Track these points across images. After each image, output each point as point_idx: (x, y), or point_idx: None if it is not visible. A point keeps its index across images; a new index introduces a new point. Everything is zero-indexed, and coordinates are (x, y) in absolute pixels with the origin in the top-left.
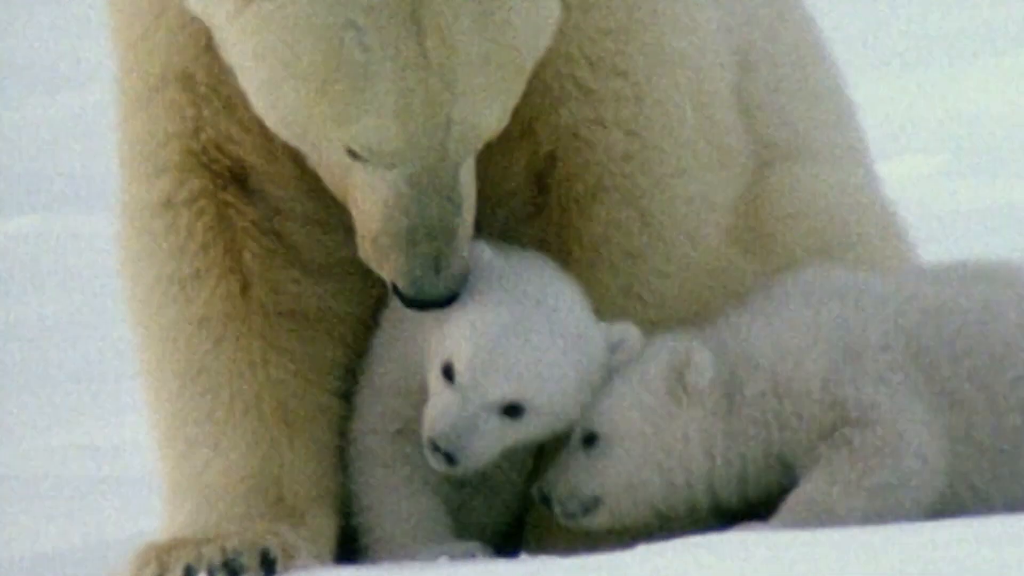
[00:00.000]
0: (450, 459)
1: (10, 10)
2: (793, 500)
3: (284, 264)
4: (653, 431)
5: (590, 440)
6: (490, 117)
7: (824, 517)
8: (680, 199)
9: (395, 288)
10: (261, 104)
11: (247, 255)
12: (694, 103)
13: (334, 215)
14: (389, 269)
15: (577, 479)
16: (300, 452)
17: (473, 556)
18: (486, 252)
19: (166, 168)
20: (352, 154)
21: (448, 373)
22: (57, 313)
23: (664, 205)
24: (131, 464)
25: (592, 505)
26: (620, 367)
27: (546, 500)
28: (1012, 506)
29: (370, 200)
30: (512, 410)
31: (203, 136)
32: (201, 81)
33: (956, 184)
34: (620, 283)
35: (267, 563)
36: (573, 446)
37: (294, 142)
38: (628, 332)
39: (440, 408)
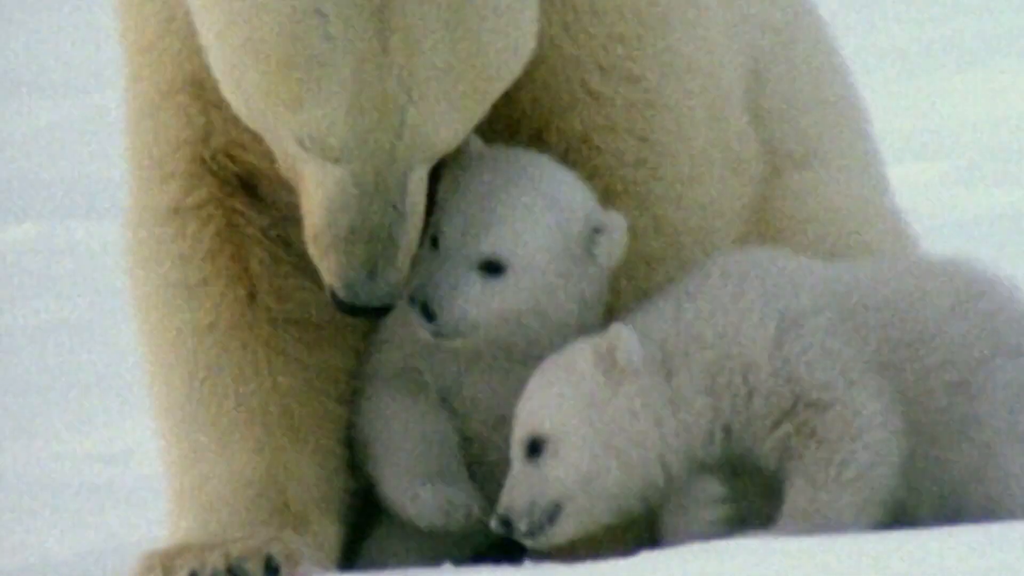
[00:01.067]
0: (429, 314)
1: (10, 15)
2: (787, 512)
3: (292, 272)
4: (598, 416)
5: (535, 448)
6: (444, 130)
7: (822, 523)
8: (693, 205)
9: (331, 291)
10: (226, 85)
11: (254, 262)
12: (706, 110)
13: None
14: (326, 269)
15: (532, 490)
16: (305, 459)
17: (468, 512)
18: (477, 143)
19: (174, 175)
20: (303, 145)
21: (434, 241)
22: (60, 320)
23: (677, 211)
24: (136, 470)
25: (554, 512)
26: (601, 259)
27: (507, 524)
28: (937, 491)
29: (316, 195)
30: (491, 267)
31: (212, 143)
32: (210, 88)
33: (963, 191)
34: (634, 288)
35: (271, 570)
36: (518, 462)
37: (254, 127)
38: (616, 221)
39: (422, 266)
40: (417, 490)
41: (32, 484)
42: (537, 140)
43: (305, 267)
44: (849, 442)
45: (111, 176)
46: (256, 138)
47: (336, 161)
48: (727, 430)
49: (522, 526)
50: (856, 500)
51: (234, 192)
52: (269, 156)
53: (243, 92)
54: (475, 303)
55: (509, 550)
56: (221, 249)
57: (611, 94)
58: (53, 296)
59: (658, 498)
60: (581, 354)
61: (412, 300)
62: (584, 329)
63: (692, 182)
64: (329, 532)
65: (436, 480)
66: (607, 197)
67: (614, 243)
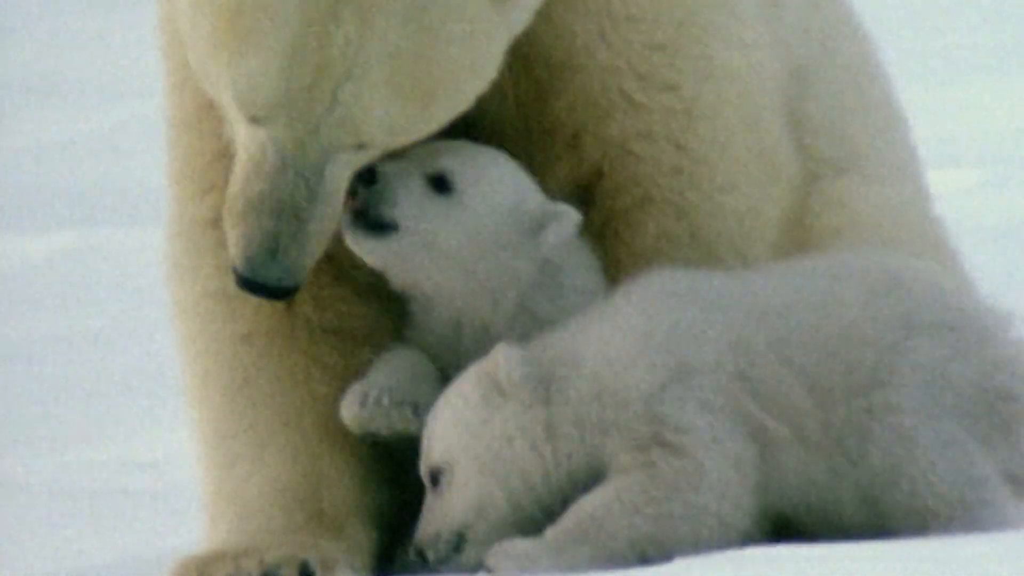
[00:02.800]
0: (365, 215)
1: (51, 22)
2: (576, 506)
3: (332, 282)
4: (478, 442)
5: (435, 478)
6: (376, 117)
7: (593, 530)
8: (729, 214)
9: (233, 267)
10: (187, 39)
11: None
12: (743, 118)
13: None
14: (232, 242)
15: (436, 521)
16: (340, 466)
17: (379, 398)
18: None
19: (215, 186)
20: (236, 102)
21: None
22: (95, 327)
23: (713, 220)
24: (171, 477)
25: (459, 543)
26: (547, 239)
27: (422, 555)
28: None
29: (240, 159)
30: (439, 183)
31: None
32: None
33: (999, 197)
34: None
35: (306, 575)
36: (428, 492)
37: (207, 88)
38: (571, 213)
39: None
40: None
41: (67, 491)
42: (573, 147)
43: (344, 277)
44: (676, 490)
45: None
46: None
47: (260, 122)
48: (598, 465)
49: (431, 556)
50: (638, 533)
51: None
52: None
53: (195, 43)
54: (413, 203)
55: None
56: None
57: (649, 102)
58: (89, 303)
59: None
60: (469, 376)
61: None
62: (535, 327)
63: (729, 190)
64: (364, 539)
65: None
66: (644, 205)
67: (563, 230)
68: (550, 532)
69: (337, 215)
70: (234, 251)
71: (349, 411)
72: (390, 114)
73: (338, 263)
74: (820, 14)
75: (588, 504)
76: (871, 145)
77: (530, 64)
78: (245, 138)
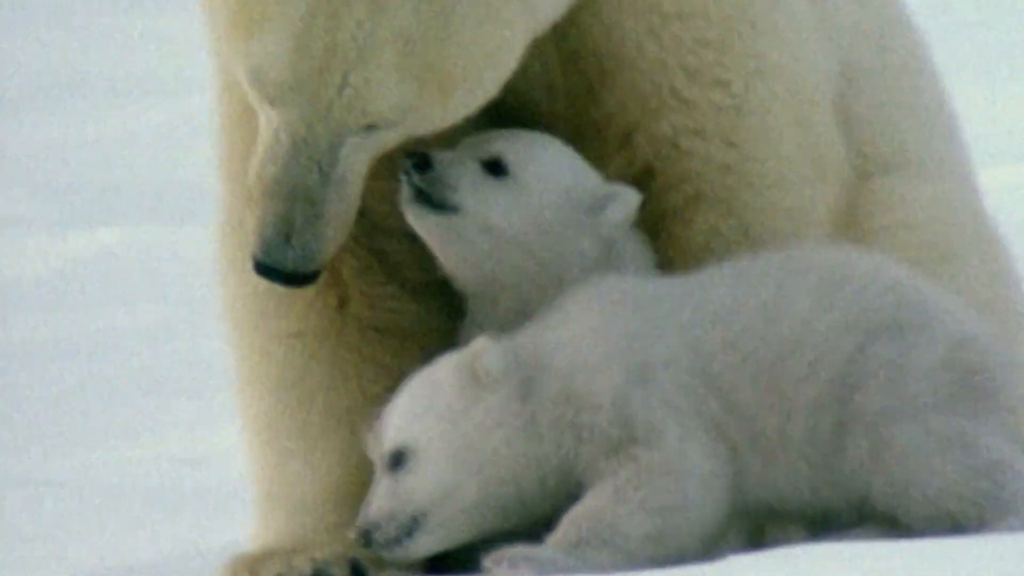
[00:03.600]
0: (426, 197)
1: (101, 19)
2: (577, 513)
3: (383, 280)
4: (455, 430)
5: (397, 461)
6: (387, 100)
7: (607, 534)
8: (779, 210)
9: (251, 253)
10: (209, 26)
11: (345, 270)
12: (793, 114)
13: None
14: (251, 228)
15: (392, 502)
16: None
17: None
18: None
19: None
20: (250, 83)
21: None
22: (145, 324)
23: (763, 216)
24: (219, 474)
25: (413, 526)
26: (611, 217)
27: (367, 536)
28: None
29: (259, 145)
30: (495, 167)
31: None
32: None
33: None
34: None
35: (357, 573)
36: (382, 473)
37: (230, 70)
38: (631, 193)
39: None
40: None
41: (116, 488)
42: (625, 144)
43: (397, 275)
44: (667, 479)
45: (196, 181)
46: None
47: (273, 104)
48: (573, 469)
49: (380, 538)
50: (649, 529)
51: None
52: None
53: (215, 27)
54: (471, 187)
55: None
56: None
57: (699, 99)
58: (139, 300)
59: (521, 517)
60: (445, 366)
61: (406, 158)
62: None
63: (779, 187)
64: None
65: None
66: (695, 203)
67: (625, 209)
68: (556, 538)
69: (355, 201)
70: (251, 238)
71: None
72: (403, 97)
73: (389, 261)
74: (871, 10)
75: (591, 509)
76: (922, 142)
77: (580, 60)
78: (262, 124)
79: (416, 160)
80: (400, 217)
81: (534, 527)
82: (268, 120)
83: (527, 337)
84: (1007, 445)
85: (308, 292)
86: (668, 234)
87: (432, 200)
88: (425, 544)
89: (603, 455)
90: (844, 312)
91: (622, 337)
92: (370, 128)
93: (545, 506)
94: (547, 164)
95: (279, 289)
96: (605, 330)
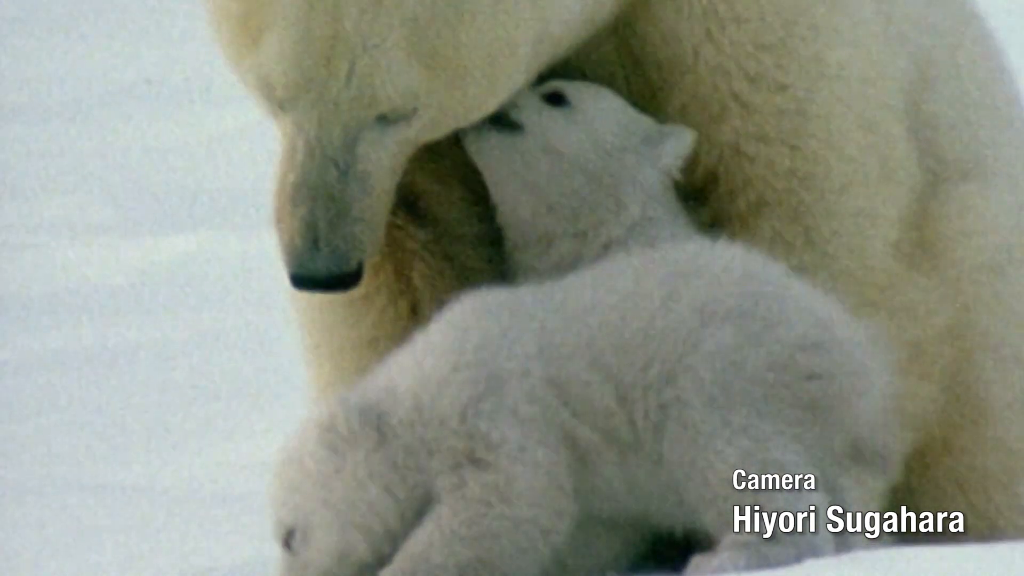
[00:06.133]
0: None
1: (176, 25)
2: (403, 548)
3: (454, 286)
4: (331, 494)
5: (288, 540)
6: (396, 85)
7: (421, 567)
8: (844, 214)
9: (286, 269)
10: (218, 44)
11: (416, 277)
12: (857, 117)
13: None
14: (278, 241)
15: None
16: None
17: None
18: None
19: None
20: (260, 94)
21: None
22: (218, 330)
23: (828, 220)
24: None
25: None
26: (668, 158)
27: None
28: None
29: (278, 161)
30: (555, 98)
31: None
32: None
33: None
34: None
35: None
36: (281, 552)
37: (241, 81)
38: (684, 131)
39: None
40: None
41: (192, 494)
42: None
43: (467, 280)
44: (489, 506)
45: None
46: (415, 154)
47: (284, 108)
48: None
49: None
50: (465, 558)
51: (395, 208)
52: (429, 172)
53: (223, 43)
54: (534, 109)
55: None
56: (383, 264)
57: (760, 103)
58: (212, 307)
59: None
60: (307, 433)
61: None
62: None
63: (844, 191)
64: None
65: None
66: (758, 208)
67: (681, 144)
68: (386, 572)
69: (384, 199)
70: (280, 252)
71: None
72: (411, 82)
73: (460, 267)
74: (941, 10)
75: (414, 541)
76: (996, 147)
77: (641, 66)
78: (279, 136)
79: None
80: (471, 223)
81: None
82: (283, 130)
83: (378, 372)
84: (798, 465)
85: (380, 300)
86: (732, 238)
87: (494, 119)
88: None
89: (443, 473)
90: (690, 301)
91: (474, 349)
92: (383, 120)
93: None
94: (606, 99)
95: (350, 296)
96: (458, 343)
